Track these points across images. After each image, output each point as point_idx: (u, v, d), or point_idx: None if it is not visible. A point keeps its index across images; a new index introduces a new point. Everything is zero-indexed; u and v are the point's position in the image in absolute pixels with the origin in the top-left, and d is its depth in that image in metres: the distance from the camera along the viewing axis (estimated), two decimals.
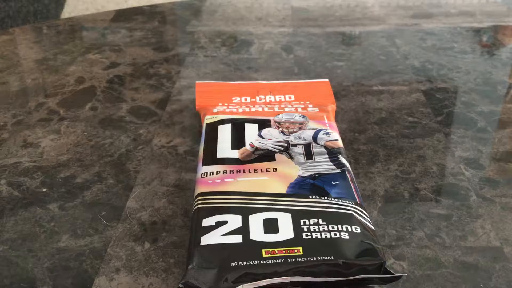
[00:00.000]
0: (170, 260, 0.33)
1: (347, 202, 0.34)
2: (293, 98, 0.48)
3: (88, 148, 0.46)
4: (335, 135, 0.41)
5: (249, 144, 0.40)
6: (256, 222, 0.32)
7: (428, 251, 0.34)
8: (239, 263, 0.29)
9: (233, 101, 0.48)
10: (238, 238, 0.31)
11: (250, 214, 0.33)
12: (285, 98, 0.48)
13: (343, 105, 0.52)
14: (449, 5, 0.82)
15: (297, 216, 0.32)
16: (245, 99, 0.48)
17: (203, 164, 0.38)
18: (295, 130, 0.42)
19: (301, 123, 0.42)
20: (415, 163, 0.43)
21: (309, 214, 0.33)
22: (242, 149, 0.39)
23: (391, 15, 0.78)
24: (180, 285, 0.29)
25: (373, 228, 0.33)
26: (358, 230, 0.32)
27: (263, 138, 0.41)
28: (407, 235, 0.35)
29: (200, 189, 0.36)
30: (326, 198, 0.34)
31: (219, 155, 0.39)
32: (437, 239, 0.35)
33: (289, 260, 0.30)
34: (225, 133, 0.42)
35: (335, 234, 0.31)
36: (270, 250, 0.30)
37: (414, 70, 0.59)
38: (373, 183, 0.40)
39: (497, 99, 0.53)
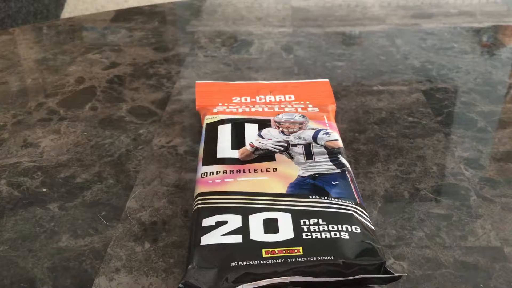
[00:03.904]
0: (170, 260, 0.33)
1: (347, 202, 0.34)
2: (293, 98, 0.48)
3: (88, 148, 0.46)
4: (335, 135, 0.41)
5: (249, 144, 0.40)
6: (256, 222, 0.32)
7: (428, 251, 0.34)
8: (239, 263, 0.29)
9: (233, 101, 0.48)
10: (238, 238, 0.31)
11: (250, 214, 0.33)
12: (285, 98, 0.48)
13: (343, 105, 0.52)
14: (449, 5, 0.82)
15: (297, 216, 0.32)
16: (245, 99, 0.48)
17: (203, 164, 0.38)
18: (295, 130, 0.41)
19: (301, 123, 0.42)
20: (415, 163, 0.43)
21: (309, 214, 0.33)
22: (242, 149, 0.39)
23: (391, 15, 0.77)
24: (180, 285, 0.29)
25: (373, 228, 0.33)
26: (358, 230, 0.32)
27: (263, 138, 0.41)
28: (407, 235, 0.35)
29: (200, 189, 0.36)
30: (326, 198, 0.34)
31: (219, 155, 0.39)
32: (437, 239, 0.35)
33: (289, 260, 0.30)
34: (225, 133, 0.42)
35: (335, 234, 0.31)
36: (270, 250, 0.30)
37: (414, 70, 0.59)
38: (373, 183, 0.40)
39: (497, 99, 0.53)
